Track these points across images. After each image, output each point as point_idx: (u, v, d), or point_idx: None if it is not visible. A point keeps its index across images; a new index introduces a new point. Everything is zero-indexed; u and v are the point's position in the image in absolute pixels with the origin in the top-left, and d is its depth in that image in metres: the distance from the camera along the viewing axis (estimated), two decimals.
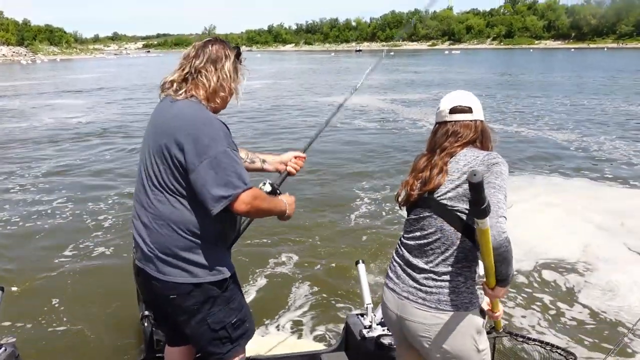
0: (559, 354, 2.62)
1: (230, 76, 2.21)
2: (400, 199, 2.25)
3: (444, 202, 2.05)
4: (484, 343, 2.16)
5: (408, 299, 2.13)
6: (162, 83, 2.23)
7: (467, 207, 1.99)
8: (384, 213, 7.88)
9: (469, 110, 2.16)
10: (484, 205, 1.75)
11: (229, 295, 2.22)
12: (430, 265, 2.10)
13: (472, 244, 2.02)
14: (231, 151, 2.05)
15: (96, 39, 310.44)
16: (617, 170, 10.28)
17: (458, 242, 2.04)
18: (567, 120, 16.86)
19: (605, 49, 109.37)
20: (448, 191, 2.04)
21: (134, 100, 26.44)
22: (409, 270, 2.16)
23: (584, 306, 5.00)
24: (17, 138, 15.39)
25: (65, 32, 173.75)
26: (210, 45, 2.20)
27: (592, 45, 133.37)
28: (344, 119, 17.09)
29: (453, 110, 2.16)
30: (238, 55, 2.27)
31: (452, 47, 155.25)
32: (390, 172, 10.43)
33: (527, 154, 11.88)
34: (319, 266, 5.96)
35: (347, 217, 7.77)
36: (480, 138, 2.17)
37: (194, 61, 2.16)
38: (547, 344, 2.68)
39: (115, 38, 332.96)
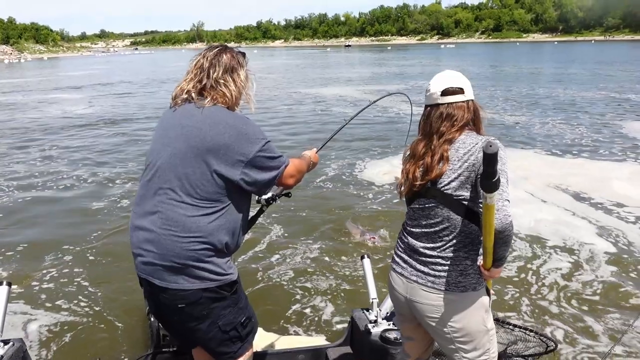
0: (541, 340, 2.72)
1: (245, 84, 2.26)
2: (402, 189, 2.24)
3: (449, 192, 2.05)
4: (491, 322, 2.21)
5: (417, 282, 2.16)
6: (175, 91, 2.24)
7: (470, 193, 2.03)
8: (386, 204, 7.88)
9: (460, 91, 2.13)
10: (495, 179, 1.77)
11: (237, 297, 2.23)
12: (438, 251, 2.12)
13: (478, 229, 2.04)
14: (270, 142, 2.17)
15: (83, 37, 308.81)
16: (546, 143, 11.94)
17: (465, 228, 2.07)
18: (523, 106, 18.58)
19: (593, 42, 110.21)
20: (451, 181, 2.04)
21: (134, 93, 27.77)
22: (416, 256, 2.18)
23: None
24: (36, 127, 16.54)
25: (51, 30, 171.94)
26: (223, 55, 2.21)
27: (579, 38, 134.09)
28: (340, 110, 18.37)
29: (445, 92, 2.12)
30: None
31: (447, 41, 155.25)
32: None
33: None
34: (324, 260, 5.93)
35: (352, 209, 7.74)
36: (473, 118, 2.14)
37: (210, 72, 2.17)
38: (531, 331, 2.75)
39: (103, 36, 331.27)
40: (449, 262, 2.09)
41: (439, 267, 2.11)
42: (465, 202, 2.04)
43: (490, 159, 1.73)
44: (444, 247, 2.11)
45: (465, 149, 2.04)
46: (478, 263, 2.11)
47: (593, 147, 11.42)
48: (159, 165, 2.14)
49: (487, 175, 1.77)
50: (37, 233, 7.10)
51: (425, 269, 2.14)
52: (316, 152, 2.70)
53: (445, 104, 2.13)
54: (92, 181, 9.74)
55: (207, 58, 2.19)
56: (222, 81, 2.17)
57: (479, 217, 1.98)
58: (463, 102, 2.13)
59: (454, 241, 2.09)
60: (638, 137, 12.30)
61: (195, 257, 2.07)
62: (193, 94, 2.16)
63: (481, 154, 1.88)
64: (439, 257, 2.11)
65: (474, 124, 2.16)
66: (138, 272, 2.21)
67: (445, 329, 2.14)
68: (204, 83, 2.16)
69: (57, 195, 8.97)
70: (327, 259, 5.96)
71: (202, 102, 2.14)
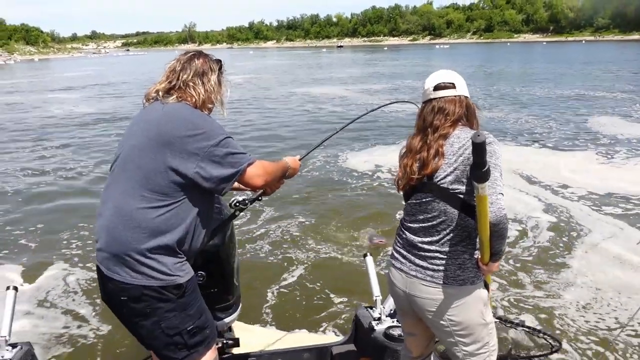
0: (545, 339, 2.73)
1: (215, 89, 2.30)
2: (400, 183, 2.28)
3: (445, 186, 2.10)
4: (490, 316, 2.25)
5: (416, 277, 2.20)
6: (147, 91, 2.29)
7: (466, 187, 2.07)
8: (385, 201, 8.10)
9: (452, 86, 2.21)
10: (485, 168, 1.83)
11: (185, 301, 2.15)
12: (436, 245, 2.16)
13: (474, 223, 2.08)
14: (231, 139, 2.13)
15: (74, 38, 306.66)
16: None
17: (461, 222, 2.11)
18: (501, 103, 19.43)
19: (584, 42, 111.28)
20: (447, 175, 2.09)
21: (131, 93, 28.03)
22: (415, 251, 2.22)
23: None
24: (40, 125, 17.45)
25: (42, 32, 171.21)
26: (195, 59, 2.28)
27: (570, 39, 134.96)
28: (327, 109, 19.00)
29: (437, 87, 2.22)
30: (220, 68, 2.38)
31: (440, 41, 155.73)
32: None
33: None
34: (327, 259, 6.01)
35: (351, 207, 7.91)
36: (465, 113, 2.21)
37: (181, 74, 2.23)
38: (534, 329, 2.77)
39: (94, 37, 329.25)
40: (447, 256, 2.13)
41: (438, 261, 2.15)
42: (462, 196, 2.08)
43: (478, 149, 1.79)
44: (442, 241, 2.15)
45: (460, 143, 2.10)
46: (476, 257, 2.16)
47: (558, 138, 12.47)
48: (120, 157, 2.20)
49: (476, 165, 1.84)
50: (47, 232, 7.24)
51: (424, 264, 2.18)
52: (299, 159, 2.65)
53: (436, 98, 2.21)
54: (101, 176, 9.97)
55: (180, 62, 2.28)
56: (191, 83, 2.22)
57: (475, 211, 2.02)
58: (454, 96, 2.20)
59: (451, 235, 2.13)
60: (599, 129, 13.43)
61: (139, 250, 2.05)
62: (161, 93, 2.22)
63: None
64: (437, 251, 2.15)
65: (468, 119, 2.23)
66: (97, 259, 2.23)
67: (444, 323, 2.18)
68: (173, 84, 2.22)
69: (68, 191, 9.36)
70: (330, 257, 6.07)
71: (167, 99, 2.19)
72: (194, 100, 2.21)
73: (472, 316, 2.17)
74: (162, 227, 2.06)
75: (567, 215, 7.12)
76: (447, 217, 2.12)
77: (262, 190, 2.55)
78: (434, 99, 2.22)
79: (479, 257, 2.14)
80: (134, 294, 2.07)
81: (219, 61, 2.38)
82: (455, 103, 2.19)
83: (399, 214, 5.73)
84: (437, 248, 2.15)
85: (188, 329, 2.16)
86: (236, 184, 2.24)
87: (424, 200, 2.18)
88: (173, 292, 2.10)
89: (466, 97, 2.24)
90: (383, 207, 7.75)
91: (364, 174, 9.73)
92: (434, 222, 2.15)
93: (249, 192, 2.69)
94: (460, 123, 2.19)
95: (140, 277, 2.05)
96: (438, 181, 2.11)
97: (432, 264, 2.16)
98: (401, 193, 2.34)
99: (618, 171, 9.38)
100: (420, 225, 2.20)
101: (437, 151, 2.11)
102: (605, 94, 20.97)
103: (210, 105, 2.31)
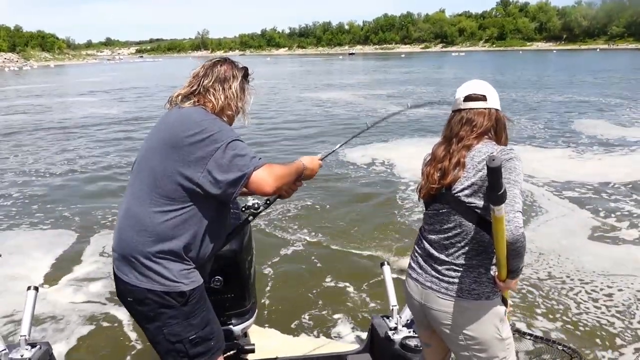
0: (565, 352, 2.68)
1: (237, 95, 2.24)
2: (421, 192, 2.27)
3: (462, 198, 2.08)
4: (507, 332, 2.18)
5: (431, 288, 2.18)
6: (170, 97, 2.28)
7: (483, 202, 2.04)
8: (405, 210, 8.14)
9: (483, 98, 2.18)
10: (501, 191, 1.80)
11: (188, 310, 2.11)
12: (451, 257, 2.14)
13: (490, 238, 2.04)
14: (240, 141, 2.06)
15: (89, 45, 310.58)
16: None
17: (477, 236, 2.08)
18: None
19: (598, 50, 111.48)
20: (465, 188, 2.07)
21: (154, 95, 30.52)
22: (431, 262, 2.21)
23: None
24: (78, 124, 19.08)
25: (57, 38, 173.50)
26: (219, 66, 2.25)
27: (583, 47, 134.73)
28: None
29: (467, 98, 2.19)
30: (246, 75, 2.32)
31: (455, 49, 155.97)
32: None
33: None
34: (344, 267, 6.03)
35: (370, 214, 8.04)
36: (494, 127, 2.18)
37: (202, 80, 2.20)
38: (554, 342, 2.73)
39: (108, 43, 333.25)
40: (462, 269, 2.11)
41: (453, 274, 2.12)
42: (478, 210, 2.05)
43: (493, 173, 1.77)
44: (457, 254, 2.12)
45: (480, 158, 2.06)
46: (492, 273, 2.11)
47: (543, 138, 13.66)
48: (137, 160, 2.21)
49: (492, 188, 1.81)
50: (70, 232, 7.37)
51: (439, 275, 2.16)
52: (320, 159, 2.49)
53: (466, 109, 2.18)
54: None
55: (204, 67, 2.26)
56: (212, 89, 2.19)
57: (491, 226, 1.97)
58: (484, 109, 2.16)
59: (467, 248, 2.10)
60: (582, 130, 14.72)
61: (145, 254, 2.04)
62: (180, 98, 2.21)
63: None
64: (452, 263, 2.13)
65: (495, 133, 2.19)
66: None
67: (459, 337, 2.14)
68: (194, 89, 2.20)
69: (94, 189, 9.94)
70: (346, 264, 6.08)
71: (184, 103, 2.18)
72: (211, 105, 2.18)
73: (487, 331, 2.11)
74: (169, 232, 2.03)
75: (531, 199, 8.17)
76: (463, 230, 2.10)
77: (276, 195, 2.47)
78: (464, 109, 2.19)
79: (496, 273, 2.09)
80: (139, 296, 2.08)
81: (244, 68, 2.32)
82: (484, 115, 2.15)
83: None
84: (452, 260, 2.13)
85: (190, 338, 2.13)
86: (246, 190, 2.10)
87: (441, 211, 2.16)
88: (176, 299, 2.07)
89: (497, 110, 2.20)
90: (400, 218, 7.70)
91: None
92: (450, 234, 2.14)
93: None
94: (486, 137, 2.16)
95: (145, 281, 2.05)
96: (455, 193, 2.09)
97: (447, 276, 2.13)
98: (421, 201, 2.32)
99: (582, 164, 10.69)
100: (438, 235, 2.19)
101: (459, 161, 2.09)
102: (595, 99, 22.38)
103: (229, 112, 2.24)
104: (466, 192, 2.06)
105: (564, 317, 4.67)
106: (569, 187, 8.93)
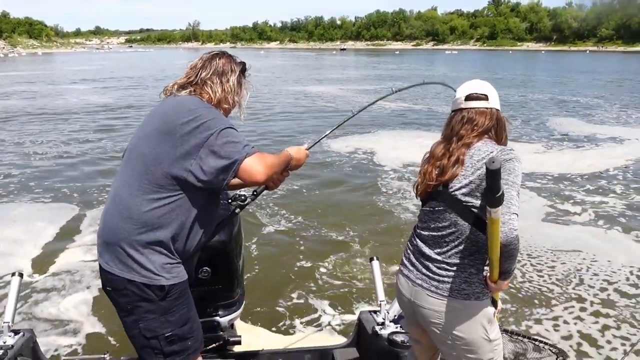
0: (551, 351, 2.69)
1: (234, 89, 2.24)
2: (418, 189, 2.27)
3: (458, 197, 2.07)
4: (495, 333, 2.18)
5: (422, 286, 2.17)
6: (165, 87, 2.27)
7: (480, 202, 2.02)
8: (398, 205, 8.18)
9: (484, 97, 2.18)
10: (499, 194, 1.80)
11: (167, 306, 2.06)
12: (443, 256, 2.13)
13: (484, 238, 2.03)
14: (233, 129, 2.05)
15: (78, 33, 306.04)
16: None
17: (471, 235, 2.07)
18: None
19: (588, 52, 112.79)
20: (462, 186, 2.06)
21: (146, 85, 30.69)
22: (422, 260, 2.20)
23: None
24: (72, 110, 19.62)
25: (45, 26, 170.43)
26: (217, 59, 2.24)
27: (572, 48, 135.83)
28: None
29: (468, 98, 2.19)
30: (243, 70, 2.32)
31: (448, 47, 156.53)
32: None
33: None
34: (332, 261, 6.00)
35: (360, 208, 8.10)
36: (495, 127, 2.18)
37: (200, 72, 2.20)
38: (540, 341, 2.74)
39: (98, 32, 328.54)
40: (454, 268, 2.10)
41: (443, 272, 2.11)
42: (475, 210, 2.04)
43: (492, 175, 1.76)
44: (450, 253, 2.11)
45: (479, 156, 2.06)
46: (484, 274, 2.10)
47: (517, 134, 14.14)
48: (128, 147, 2.19)
49: (490, 190, 1.80)
50: (56, 218, 7.37)
51: (430, 273, 2.15)
52: (306, 149, 2.46)
53: (467, 108, 2.17)
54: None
55: (202, 59, 2.25)
56: (209, 82, 2.18)
57: (486, 226, 1.97)
58: (486, 108, 2.16)
59: (460, 247, 2.09)
60: (556, 128, 15.63)
61: (130, 242, 2.00)
62: (176, 87, 2.20)
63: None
64: (443, 262, 2.12)
65: (496, 133, 2.18)
66: None
67: (446, 336, 2.14)
68: (191, 80, 2.20)
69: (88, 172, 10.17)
70: (334, 259, 6.05)
71: (180, 92, 2.17)
72: (208, 97, 2.17)
73: (475, 332, 2.11)
74: (156, 221, 2.00)
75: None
76: (457, 229, 2.09)
77: (264, 186, 2.45)
78: (465, 109, 2.19)
79: (487, 274, 2.09)
80: (118, 286, 2.03)
81: (242, 63, 2.33)
82: (485, 115, 2.15)
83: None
84: (444, 259, 2.12)
85: (166, 335, 2.08)
86: (238, 181, 2.08)
87: (436, 208, 2.16)
88: (155, 293, 2.02)
89: (497, 110, 2.20)
90: (394, 213, 7.77)
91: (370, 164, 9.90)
92: (444, 232, 2.13)
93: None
94: (486, 136, 2.16)
95: (125, 270, 2.01)
96: (452, 191, 2.08)
97: (437, 274, 2.13)
98: (418, 199, 2.31)
99: (549, 158, 11.47)
100: (431, 233, 2.18)
101: (458, 159, 2.09)
102: (575, 98, 23.55)
103: (226, 106, 2.24)
104: (463, 190, 2.06)
105: (510, 284, 5.15)
106: (531, 178, 9.54)
